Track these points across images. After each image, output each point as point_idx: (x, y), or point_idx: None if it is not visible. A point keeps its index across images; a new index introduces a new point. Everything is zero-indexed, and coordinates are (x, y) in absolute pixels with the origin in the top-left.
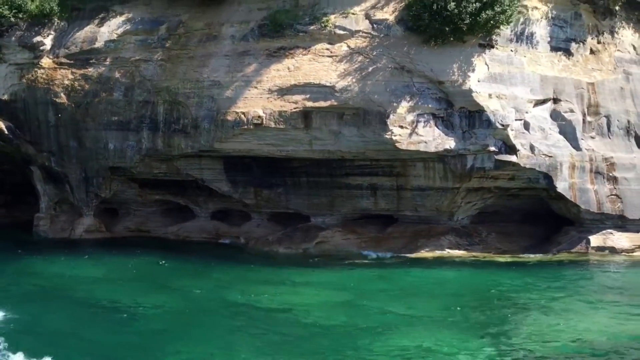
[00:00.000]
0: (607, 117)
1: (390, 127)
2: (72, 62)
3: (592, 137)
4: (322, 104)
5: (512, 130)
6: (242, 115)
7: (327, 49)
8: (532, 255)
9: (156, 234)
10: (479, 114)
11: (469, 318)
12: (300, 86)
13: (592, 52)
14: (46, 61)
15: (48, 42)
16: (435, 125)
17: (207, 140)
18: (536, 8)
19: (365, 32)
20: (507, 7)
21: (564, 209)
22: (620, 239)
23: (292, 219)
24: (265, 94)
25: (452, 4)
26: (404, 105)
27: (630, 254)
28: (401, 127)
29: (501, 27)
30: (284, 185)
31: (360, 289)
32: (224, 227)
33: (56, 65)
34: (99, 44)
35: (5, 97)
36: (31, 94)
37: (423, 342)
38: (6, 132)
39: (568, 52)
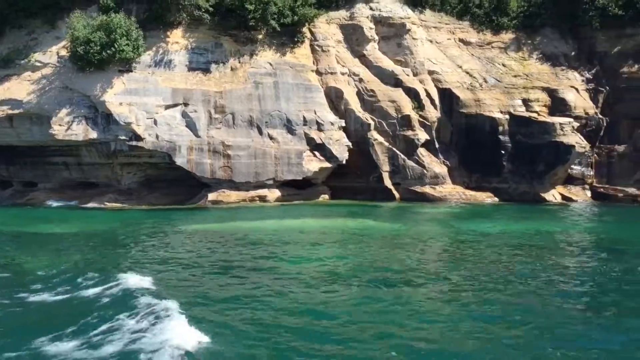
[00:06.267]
0: (232, 114)
1: (53, 126)
2: None
3: (218, 128)
4: (17, 111)
5: (138, 125)
6: None
7: (29, 75)
8: (165, 206)
9: None
10: (112, 116)
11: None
12: (7, 100)
13: (232, 69)
14: None
15: None
16: (86, 123)
17: None
18: (177, 42)
19: (53, 64)
20: (121, 50)
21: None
22: (229, 195)
23: (31, 185)
24: None
25: (80, 48)
26: (64, 111)
27: (233, 204)
28: (60, 125)
29: (133, 59)
30: (21, 164)
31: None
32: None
33: None
34: None
35: None
36: None
37: None
38: None
39: (207, 71)
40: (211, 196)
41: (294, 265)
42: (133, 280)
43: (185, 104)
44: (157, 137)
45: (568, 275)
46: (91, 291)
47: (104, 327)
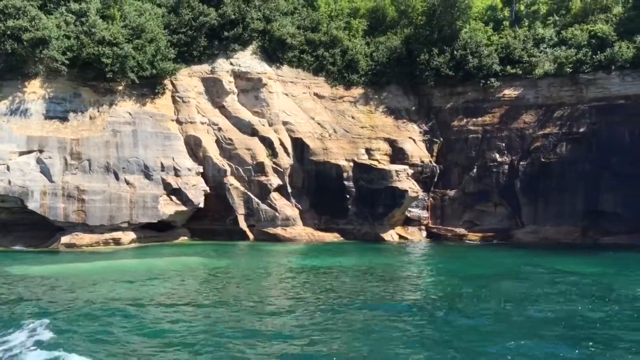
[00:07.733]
0: (89, 160)
1: None
2: None
3: (74, 174)
4: None
5: None
6: None
7: None
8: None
9: None
10: None
11: None
12: None
13: (91, 118)
14: None
15: None
16: None
17: None
18: (34, 92)
19: None
20: None
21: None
22: (82, 238)
23: None
24: None
25: None
26: None
27: (87, 246)
28: None
29: None
30: None
31: None
32: None
33: None
34: None
35: None
36: None
37: None
38: None
39: (65, 119)
40: (64, 239)
41: (98, 298)
42: None
43: (41, 151)
44: (9, 182)
45: (376, 295)
46: None
47: None
